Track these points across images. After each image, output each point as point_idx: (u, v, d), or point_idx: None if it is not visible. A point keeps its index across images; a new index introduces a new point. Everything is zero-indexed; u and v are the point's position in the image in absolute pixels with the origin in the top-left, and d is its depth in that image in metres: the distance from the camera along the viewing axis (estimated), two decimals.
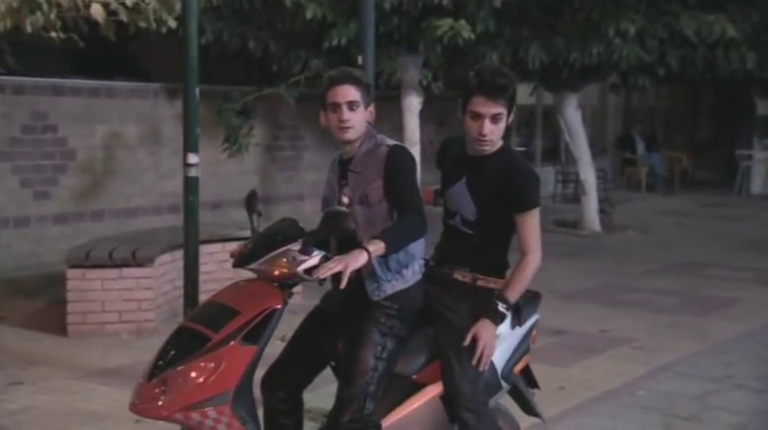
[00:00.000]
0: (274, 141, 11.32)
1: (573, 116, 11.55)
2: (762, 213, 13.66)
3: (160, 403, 2.88)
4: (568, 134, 11.74)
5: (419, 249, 3.27)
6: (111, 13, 5.27)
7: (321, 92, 3.25)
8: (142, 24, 5.50)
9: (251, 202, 3.41)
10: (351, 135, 3.22)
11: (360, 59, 5.66)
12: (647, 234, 11.53)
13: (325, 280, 2.97)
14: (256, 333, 2.98)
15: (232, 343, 2.94)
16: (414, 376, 3.27)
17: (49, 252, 8.52)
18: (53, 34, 5.34)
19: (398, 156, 3.21)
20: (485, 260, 3.29)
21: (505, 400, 3.55)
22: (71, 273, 6.07)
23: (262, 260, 3.08)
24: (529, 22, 9.75)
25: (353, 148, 3.27)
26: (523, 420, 3.73)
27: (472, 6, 8.92)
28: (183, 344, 2.99)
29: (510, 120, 3.20)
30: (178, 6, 5.37)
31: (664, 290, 8.01)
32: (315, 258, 3.03)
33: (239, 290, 3.16)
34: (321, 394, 4.35)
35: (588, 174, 11.58)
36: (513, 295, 3.21)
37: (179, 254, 5.85)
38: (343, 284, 2.90)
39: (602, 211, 11.80)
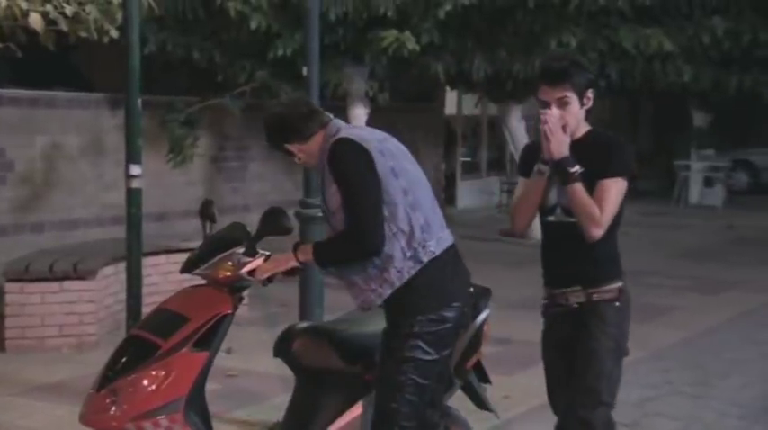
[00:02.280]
0: (220, 152, 11.24)
1: (517, 127, 11.71)
2: (699, 222, 14.01)
3: (111, 413, 2.85)
4: (513, 144, 11.89)
5: (396, 247, 2.90)
6: (50, 22, 5.16)
7: None
8: (83, 34, 5.40)
9: (206, 209, 3.37)
10: (310, 163, 3.10)
11: (305, 70, 5.66)
12: None
13: (270, 281, 2.97)
14: (207, 339, 2.97)
15: (183, 350, 2.92)
16: (366, 376, 3.22)
17: None
18: None
19: (337, 159, 2.92)
20: (594, 259, 3.20)
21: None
22: (9, 286, 5.94)
23: (207, 264, 3.08)
24: (473, 35, 9.87)
25: None
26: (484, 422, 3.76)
27: (417, 18, 9.01)
28: (133, 354, 2.96)
29: (587, 103, 3.22)
30: (120, 16, 5.30)
31: None
32: (259, 260, 3.02)
33: (188, 296, 3.14)
34: (265, 407, 4.33)
35: None
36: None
37: (122, 266, 5.75)
38: (262, 277, 2.97)
39: None
